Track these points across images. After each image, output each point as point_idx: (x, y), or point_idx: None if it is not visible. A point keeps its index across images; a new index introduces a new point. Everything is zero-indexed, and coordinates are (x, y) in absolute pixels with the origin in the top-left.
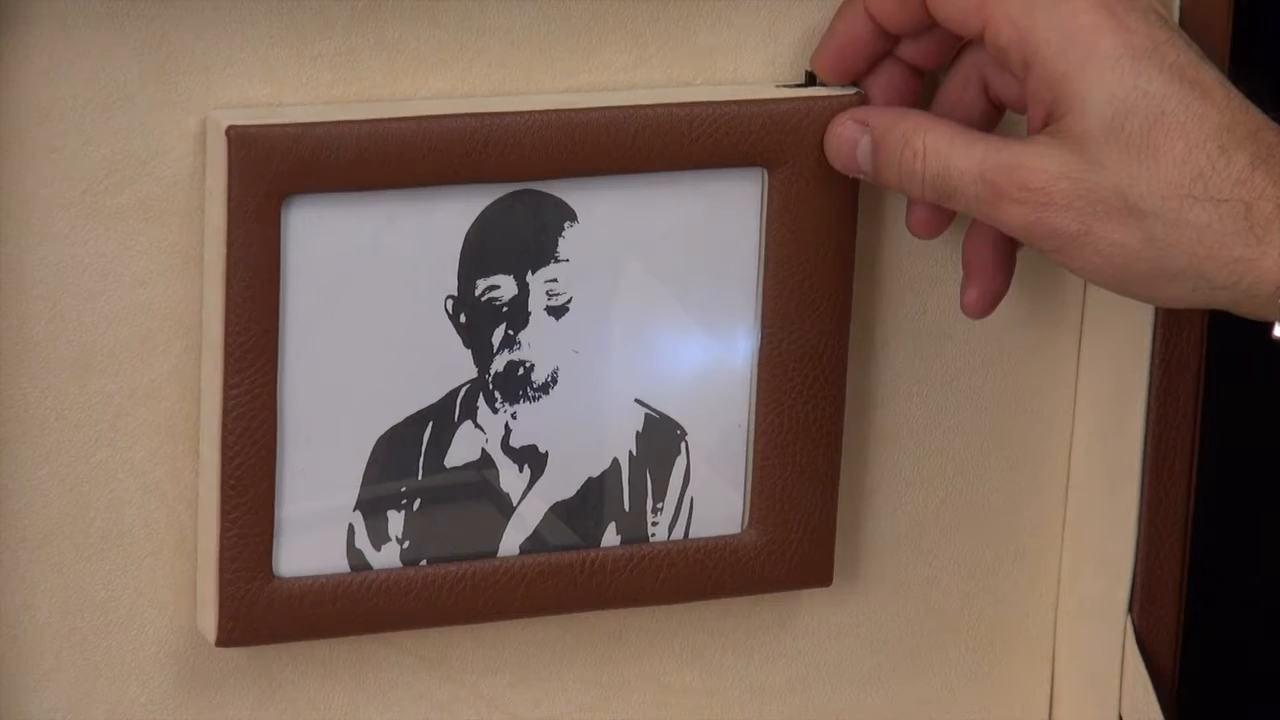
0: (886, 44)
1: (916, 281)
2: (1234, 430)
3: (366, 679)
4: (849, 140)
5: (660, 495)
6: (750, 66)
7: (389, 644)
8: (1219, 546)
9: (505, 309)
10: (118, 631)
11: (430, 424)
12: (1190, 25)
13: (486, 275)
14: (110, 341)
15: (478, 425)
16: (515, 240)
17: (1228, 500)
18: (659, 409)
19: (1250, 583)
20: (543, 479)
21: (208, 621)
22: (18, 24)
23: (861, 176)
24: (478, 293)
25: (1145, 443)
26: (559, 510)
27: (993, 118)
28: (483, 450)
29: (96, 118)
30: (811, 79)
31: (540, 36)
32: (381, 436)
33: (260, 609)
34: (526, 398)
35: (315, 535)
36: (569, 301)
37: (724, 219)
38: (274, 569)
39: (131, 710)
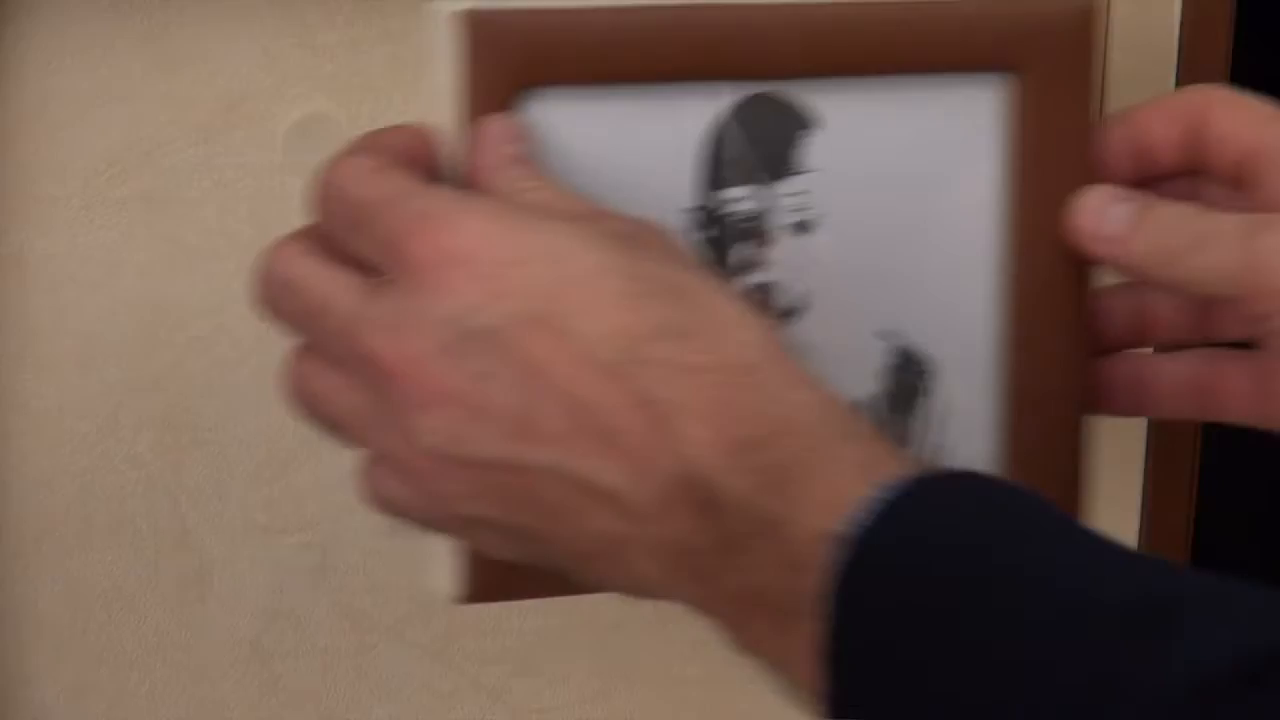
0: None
1: None
2: (1234, 429)
3: (367, 669)
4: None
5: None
6: None
7: (390, 635)
8: (1219, 544)
9: (746, 225)
10: (120, 622)
11: None
12: (1190, 25)
13: (726, 188)
14: (112, 333)
15: None
16: (756, 150)
17: (1228, 499)
18: (906, 344)
19: (1250, 580)
20: None
21: (442, 579)
22: (20, 15)
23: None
24: (716, 207)
25: (1146, 441)
26: None
27: None
28: None
29: (99, 109)
30: None
31: None
32: None
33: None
34: None
35: None
36: (813, 218)
37: (963, 128)
38: None
39: (133, 701)
